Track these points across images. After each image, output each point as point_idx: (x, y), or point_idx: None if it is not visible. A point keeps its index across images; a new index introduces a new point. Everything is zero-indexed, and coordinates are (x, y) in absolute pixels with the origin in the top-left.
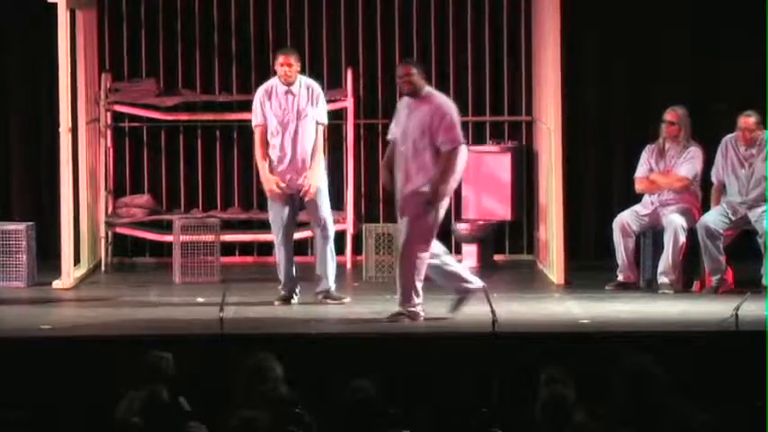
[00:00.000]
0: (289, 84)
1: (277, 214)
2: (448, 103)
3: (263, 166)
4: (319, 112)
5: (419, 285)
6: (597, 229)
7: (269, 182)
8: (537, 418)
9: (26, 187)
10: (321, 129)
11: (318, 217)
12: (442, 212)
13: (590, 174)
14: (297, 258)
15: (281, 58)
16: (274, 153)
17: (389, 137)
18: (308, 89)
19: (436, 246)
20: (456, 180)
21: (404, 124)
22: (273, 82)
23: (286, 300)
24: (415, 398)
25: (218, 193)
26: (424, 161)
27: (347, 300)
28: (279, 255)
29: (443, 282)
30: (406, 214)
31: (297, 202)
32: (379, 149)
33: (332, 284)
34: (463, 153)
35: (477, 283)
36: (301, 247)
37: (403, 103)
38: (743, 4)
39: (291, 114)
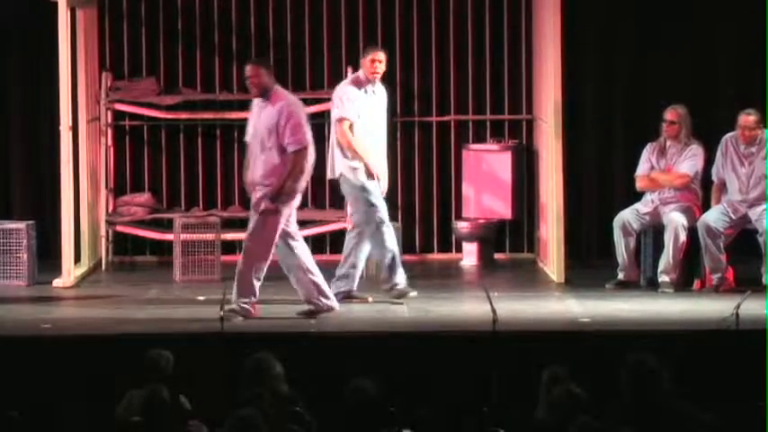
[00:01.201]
0: (373, 82)
1: (380, 201)
2: (295, 104)
3: (367, 154)
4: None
5: (257, 284)
6: (598, 227)
7: (375, 168)
8: (541, 417)
9: (27, 186)
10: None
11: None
12: (284, 216)
13: (590, 172)
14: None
15: (376, 54)
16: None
17: (246, 138)
18: (383, 91)
19: (305, 253)
20: (301, 181)
21: (254, 123)
22: (358, 77)
23: (356, 298)
24: (415, 397)
25: (219, 192)
26: (273, 160)
27: (414, 293)
28: (368, 249)
29: (301, 290)
30: (256, 212)
31: None
32: None
33: (355, 284)
34: (309, 154)
35: (332, 302)
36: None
37: (255, 103)
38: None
39: (377, 113)
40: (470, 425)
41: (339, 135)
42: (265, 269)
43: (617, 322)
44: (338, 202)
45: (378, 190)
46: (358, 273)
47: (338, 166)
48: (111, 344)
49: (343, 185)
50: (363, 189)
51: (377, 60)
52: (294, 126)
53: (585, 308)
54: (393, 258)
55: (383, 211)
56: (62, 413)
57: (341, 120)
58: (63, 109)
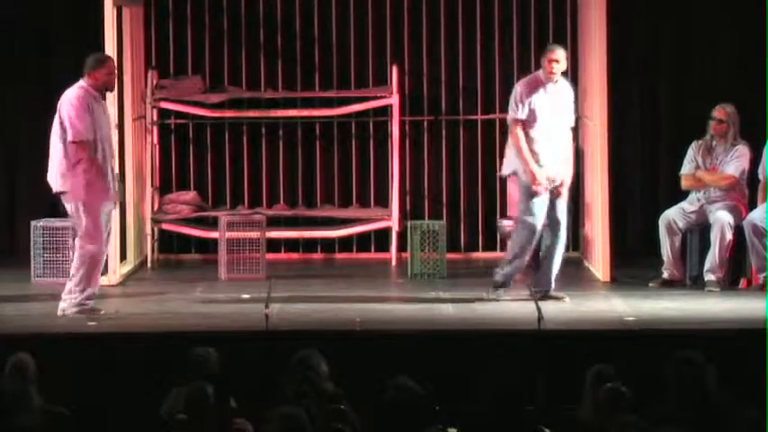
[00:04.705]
0: (553, 81)
1: (539, 208)
2: (71, 97)
3: (530, 159)
4: (572, 114)
5: (96, 279)
6: (643, 226)
7: (539, 175)
8: (586, 416)
9: None
10: (570, 130)
11: (556, 216)
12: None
13: (636, 171)
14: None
15: (553, 54)
16: (539, 149)
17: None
18: (566, 90)
19: None
20: (84, 174)
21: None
22: (537, 77)
23: (500, 286)
24: (460, 395)
25: (264, 190)
26: (61, 151)
27: (567, 299)
28: (525, 248)
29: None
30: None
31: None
32: (425, 147)
33: (552, 284)
34: (81, 148)
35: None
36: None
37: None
38: None
39: (552, 113)
40: (515, 424)
41: (511, 135)
42: (97, 267)
43: (663, 321)
44: (383, 200)
45: (539, 197)
46: (550, 269)
47: (511, 164)
48: (156, 341)
49: (518, 183)
50: (526, 191)
51: (553, 60)
52: (71, 118)
53: (631, 306)
54: (519, 265)
55: (538, 218)
56: (108, 410)
57: (511, 120)
58: (109, 107)
